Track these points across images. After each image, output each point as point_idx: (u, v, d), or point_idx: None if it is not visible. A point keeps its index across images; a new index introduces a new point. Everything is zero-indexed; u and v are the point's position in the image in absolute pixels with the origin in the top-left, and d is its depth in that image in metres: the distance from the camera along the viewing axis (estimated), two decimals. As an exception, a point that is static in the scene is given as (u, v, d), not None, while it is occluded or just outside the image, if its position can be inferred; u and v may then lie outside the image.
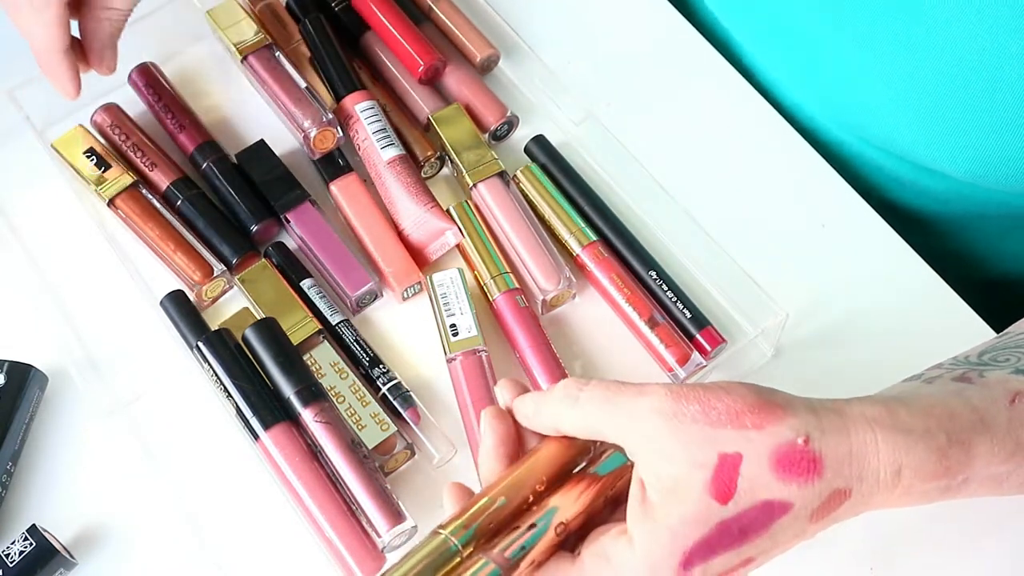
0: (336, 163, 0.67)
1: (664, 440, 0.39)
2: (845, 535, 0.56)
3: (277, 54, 0.69)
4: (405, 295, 0.64)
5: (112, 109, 0.69)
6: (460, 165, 0.65)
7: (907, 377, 0.47)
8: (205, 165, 0.67)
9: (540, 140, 0.68)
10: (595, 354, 0.62)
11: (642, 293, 0.62)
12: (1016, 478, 0.44)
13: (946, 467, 0.41)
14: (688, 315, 0.61)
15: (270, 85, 0.67)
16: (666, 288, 0.62)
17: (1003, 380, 0.44)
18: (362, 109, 0.67)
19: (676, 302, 0.61)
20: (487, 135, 0.68)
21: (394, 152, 0.65)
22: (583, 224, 0.64)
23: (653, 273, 0.62)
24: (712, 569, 0.40)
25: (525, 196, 0.65)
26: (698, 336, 0.60)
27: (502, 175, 0.65)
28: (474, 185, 0.65)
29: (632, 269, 0.63)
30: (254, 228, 0.65)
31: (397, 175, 0.65)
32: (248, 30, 0.70)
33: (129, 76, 0.71)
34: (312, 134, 0.65)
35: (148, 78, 0.70)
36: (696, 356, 0.60)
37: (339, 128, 0.66)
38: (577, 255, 0.63)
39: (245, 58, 0.68)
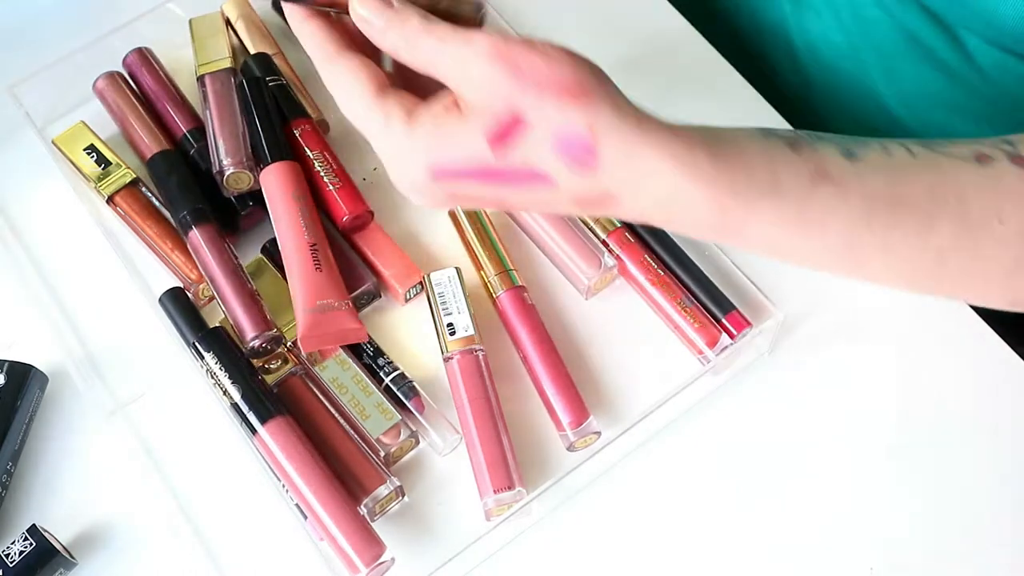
0: None
1: (478, 71, 0.40)
2: (845, 535, 0.57)
3: (236, 81, 0.67)
4: (407, 296, 0.64)
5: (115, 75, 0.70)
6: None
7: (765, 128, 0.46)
8: (194, 151, 0.67)
9: None
10: (621, 339, 0.63)
11: (669, 277, 0.63)
12: (803, 251, 0.44)
13: (722, 222, 0.41)
14: (712, 300, 0.62)
15: (211, 111, 0.66)
16: (691, 273, 0.63)
17: (820, 156, 0.43)
18: None
19: (700, 287, 0.62)
20: None
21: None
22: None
23: (675, 259, 0.63)
24: (460, 190, 0.42)
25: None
26: (724, 320, 0.61)
27: None
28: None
29: (657, 255, 0.64)
30: (243, 213, 0.66)
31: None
32: (218, 49, 0.69)
33: (124, 58, 0.71)
34: (227, 172, 0.63)
35: (143, 61, 0.71)
36: (725, 338, 0.61)
37: (255, 176, 0.64)
38: (604, 240, 0.63)
39: (201, 77, 0.67)
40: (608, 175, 0.40)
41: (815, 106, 0.75)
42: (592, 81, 0.40)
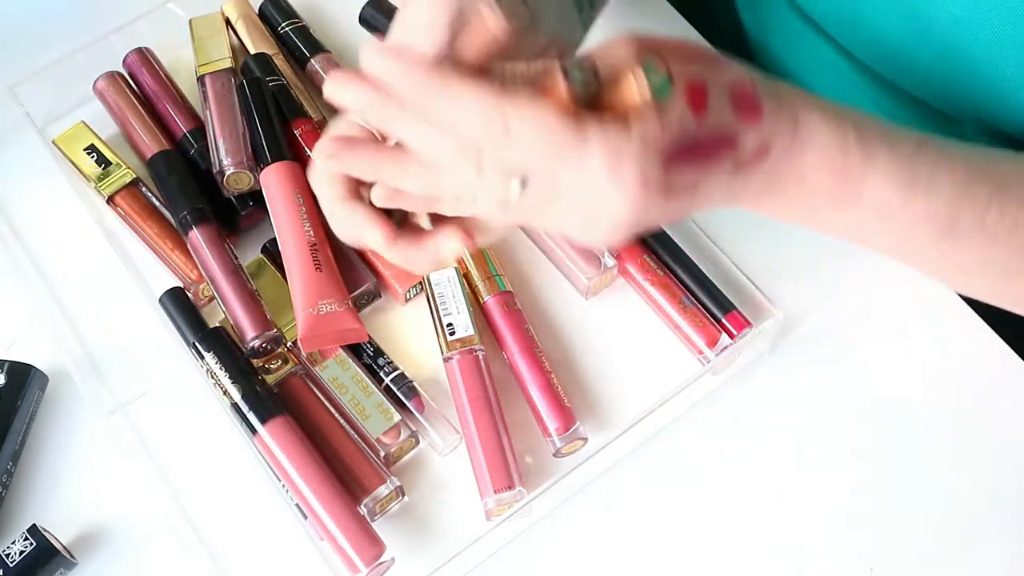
0: None
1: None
2: (845, 535, 0.57)
3: (236, 81, 0.67)
4: (407, 296, 0.64)
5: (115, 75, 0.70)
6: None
7: None
8: (194, 151, 0.67)
9: None
10: (621, 339, 0.63)
11: (669, 277, 0.63)
12: (904, 215, 0.46)
13: (845, 169, 0.44)
14: (712, 300, 0.62)
15: (211, 111, 0.66)
16: (691, 273, 0.63)
17: (920, 132, 0.46)
18: None
19: (700, 287, 0.62)
20: None
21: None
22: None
23: (675, 259, 0.63)
24: (679, 180, 0.42)
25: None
26: (724, 320, 0.61)
27: None
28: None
29: (657, 255, 0.64)
30: (243, 213, 0.65)
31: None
32: (219, 49, 0.69)
33: (124, 59, 0.71)
34: (228, 172, 0.63)
35: (143, 61, 0.71)
36: (724, 338, 0.61)
37: (255, 176, 0.64)
38: None
39: (201, 77, 0.67)
40: (768, 124, 0.43)
41: None
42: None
